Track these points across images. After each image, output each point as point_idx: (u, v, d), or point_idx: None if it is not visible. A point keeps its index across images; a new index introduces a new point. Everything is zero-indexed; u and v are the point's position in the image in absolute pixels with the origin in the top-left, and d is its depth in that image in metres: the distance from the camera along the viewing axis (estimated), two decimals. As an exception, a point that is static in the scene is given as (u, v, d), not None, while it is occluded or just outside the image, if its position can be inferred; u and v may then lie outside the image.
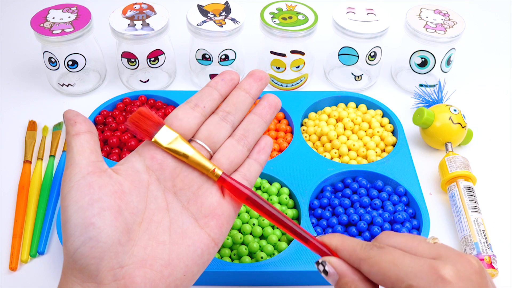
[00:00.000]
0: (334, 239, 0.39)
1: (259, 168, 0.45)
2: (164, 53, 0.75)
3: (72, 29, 0.71)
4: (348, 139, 0.67)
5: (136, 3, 0.76)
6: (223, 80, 0.45)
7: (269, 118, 0.46)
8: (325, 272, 0.38)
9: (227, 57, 0.75)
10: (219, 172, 0.41)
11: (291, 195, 0.61)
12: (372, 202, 0.60)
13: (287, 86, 0.78)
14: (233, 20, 0.74)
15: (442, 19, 0.76)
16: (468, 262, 0.34)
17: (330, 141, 0.67)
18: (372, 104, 0.72)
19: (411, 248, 0.36)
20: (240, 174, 0.43)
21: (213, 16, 0.74)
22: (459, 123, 0.67)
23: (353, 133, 0.69)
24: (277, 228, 0.58)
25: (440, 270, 0.33)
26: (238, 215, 0.58)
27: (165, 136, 0.41)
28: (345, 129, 0.69)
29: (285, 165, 0.63)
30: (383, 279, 0.35)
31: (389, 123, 0.70)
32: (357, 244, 0.37)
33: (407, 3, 0.86)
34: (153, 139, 0.41)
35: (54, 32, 0.70)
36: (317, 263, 0.38)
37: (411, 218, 0.60)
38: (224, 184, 0.42)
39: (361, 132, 0.68)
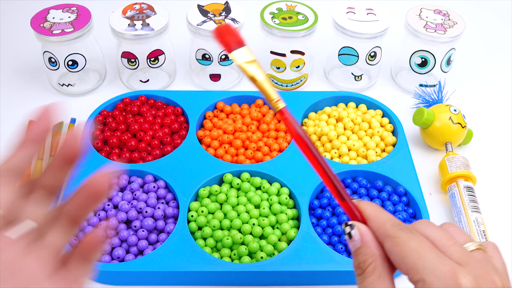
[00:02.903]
0: (369, 208, 0.38)
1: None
2: (164, 53, 0.75)
3: (72, 29, 0.71)
4: (348, 139, 0.67)
5: (136, 3, 0.76)
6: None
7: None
8: (349, 235, 0.37)
9: (227, 57, 0.75)
10: (281, 105, 0.41)
11: (291, 195, 0.61)
12: (372, 202, 0.60)
13: (287, 86, 0.78)
14: (233, 20, 0.74)
15: (442, 19, 0.75)
16: (491, 282, 0.33)
17: (330, 141, 0.67)
18: (372, 104, 0.72)
19: (443, 245, 0.35)
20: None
21: (213, 16, 0.74)
22: (459, 123, 0.67)
23: (353, 133, 0.69)
24: (277, 228, 0.58)
25: (460, 278, 0.32)
26: (238, 215, 0.58)
27: (242, 55, 0.42)
28: (345, 129, 0.69)
29: (285, 165, 0.63)
30: (401, 262, 0.34)
31: (389, 123, 0.70)
32: (389, 220, 0.36)
33: (407, 3, 0.86)
34: (231, 54, 0.42)
35: (54, 32, 0.70)
36: (346, 224, 0.37)
37: (411, 218, 0.60)
38: (282, 118, 0.41)
39: (361, 132, 0.68)
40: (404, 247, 0.34)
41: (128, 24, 0.72)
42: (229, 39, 0.43)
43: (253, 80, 0.42)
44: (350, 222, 0.37)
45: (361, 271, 0.37)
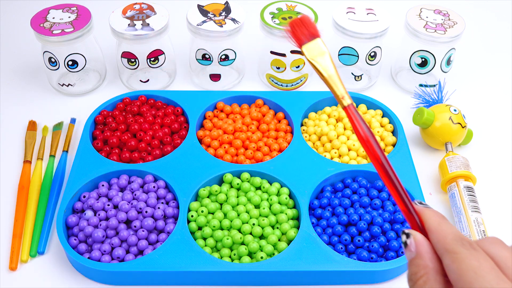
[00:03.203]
0: (432, 218, 0.35)
1: None
2: (164, 53, 0.75)
3: (72, 29, 0.71)
4: (348, 139, 0.67)
5: (136, 3, 0.76)
6: None
7: None
8: (405, 244, 0.35)
9: (227, 57, 0.75)
10: (348, 102, 0.40)
11: (291, 195, 0.61)
12: (372, 202, 0.60)
13: (287, 86, 0.78)
14: (233, 20, 0.74)
15: (442, 19, 0.76)
16: None
17: (330, 141, 0.67)
18: (372, 104, 0.72)
19: (508, 267, 0.32)
20: None
21: (213, 16, 0.74)
22: (459, 123, 0.67)
23: (353, 133, 0.69)
24: (277, 228, 0.58)
25: None
26: (238, 215, 0.58)
27: (313, 49, 0.41)
28: (345, 129, 0.69)
29: (285, 165, 0.63)
30: (457, 280, 0.32)
31: (389, 123, 0.70)
32: (451, 233, 0.34)
33: (407, 3, 0.86)
34: (302, 48, 0.41)
35: (54, 32, 0.70)
36: (403, 232, 0.35)
37: (411, 218, 0.60)
38: (348, 114, 0.39)
39: (361, 132, 0.68)
40: (462, 264, 0.32)
41: (128, 24, 0.72)
42: (301, 32, 0.42)
43: (321, 74, 0.41)
44: (407, 231, 0.35)
45: (413, 283, 0.34)
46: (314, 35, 0.42)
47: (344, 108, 0.39)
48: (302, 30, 0.42)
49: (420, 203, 0.37)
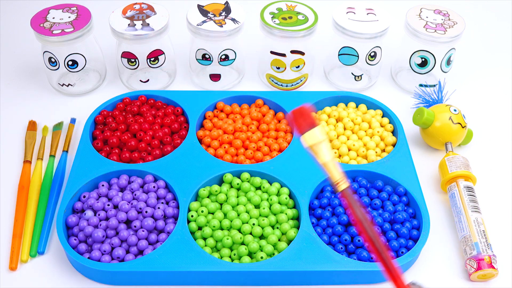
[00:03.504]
0: None
1: None
2: (164, 53, 0.75)
3: (72, 29, 0.71)
4: (348, 139, 0.67)
5: (136, 3, 0.76)
6: None
7: None
8: None
9: (227, 57, 0.75)
10: (343, 187, 0.43)
11: (291, 195, 0.61)
12: (372, 202, 0.60)
13: (287, 86, 0.78)
14: (233, 20, 0.74)
15: (442, 19, 0.75)
16: None
17: (330, 141, 0.67)
18: (372, 104, 0.72)
19: None
20: None
21: (213, 16, 0.74)
22: (459, 123, 0.67)
23: (353, 133, 0.69)
24: (277, 228, 0.58)
25: None
26: (238, 215, 0.58)
27: (311, 137, 0.45)
28: (345, 129, 0.69)
29: (285, 165, 0.63)
30: None
31: (389, 123, 0.70)
32: None
33: (407, 3, 0.86)
34: (302, 137, 0.45)
35: (54, 32, 0.70)
36: None
37: (411, 218, 0.60)
38: (345, 198, 0.43)
39: (361, 132, 0.68)
40: None
41: (128, 24, 0.72)
42: (301, 122, 0.46)
43: (317, 160, 0.45)
44: None
45: None
46: (312, 124, 0.45)
47: (340, 192, 0.43)
48: (303, 120, 0.46)
49: (414, 284, 0.41)
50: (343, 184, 0.43)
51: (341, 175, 0.44)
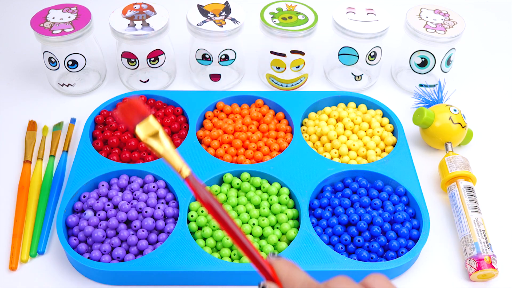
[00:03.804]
0: (283, 269, 0.38)
1: None
2: (164, 53, 0.75)
3: (72, 29, 0.71)
4: (348, 139, 0.67)
5: (136, 3, 0.76)
6: None
7: None
8: None
9: (227, 57, 0.75)
10: (186, 173, 0.42)
11: (291, 195, 0.61)
12: (372, 202, 0.60)
13: (287, 86, 0.78)
14: (233, 20, 0.74)
15: (442, 19, 0.75)
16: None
17: (330, 141, 0.67)
18: (372, 104, 0.72)
19: None
20: None
21: (213, 16, 0.74)
22: (459, 123, 0.67)
23: (353, 133, 0.69)
24: (277, 228, 0.58)
25: None
26: (238, 215, 0.58)
27: (146, 128, 0.43)
28: (345, 129, 0.69)
29: (285, 165, 0.63)
30: None
31: (389, 123, 0.70)
32: (299, 281, 0.37)
33: (407, 3, 0.86)
34: (135, 130, 0.42)
35: (54, 32, 0.70)
36: (259, 285, 0.38)
37: (411, 218, 0.60)
38: (189, 184, 0.41)
39: (361, 132, 0.68)
40: None
41: (128, 24, 0.72)
42: (131, 115, 0.43)
43: (157, 153, 0.43)
44: (262, 284, 0.38)
45: None
46: (144, 114, 0.43)
47: (185, 179, 0.41)
48: (132, 112, 0.43)
49: (273, 255, 0.39)
50: (185, 170, 0.42)
51: (182, 162, 0.42)
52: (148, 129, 0.43)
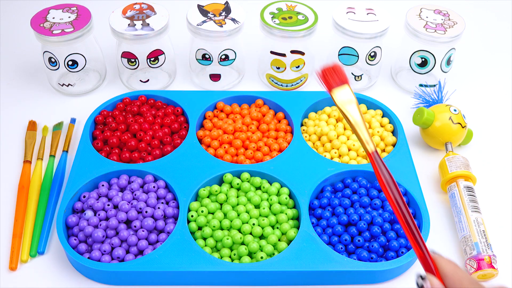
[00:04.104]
0: (448, 266, 0.38)
1: None
2: (164, 53, 0.75)
3: (72, 29, 0.71)
4: (348, 139, 0.67)
5: (136, 3, 0.76)
6: None
7: None
8: (421, 286, 0.38)
9: (227, 57, 0.75)
10: (372, 148, 0.42)
11: (291, 195, 0.61)
12: (372, 202, 0.60)
13: (287, 86, 0.78)
14: (233, 20, 0.74)
15: (442, 19, 0.76)
16: None
17: (330, 141, 0.67)
18: (372, 104, 0.72)
19: None
20: None
21: (213, 16, 0.74)
22: (459, 123, 0.67)
23: (353, 133, 0.69)
24: (277, 228, 0.58)
25: None
26: (238, 215, 0.58)
27: (342, 95, 0.44)
28: (345, 129, 0.69)
29: (285, 165, 0.63)
30: None
31: (389, 123, 0.70)
32: (466, 279, 0.37)
33: (407, 3, 0.86)
34: (332, 93, 0.44)
35: (54, 32, 0.70)
36: (420, 276, 0.38)
37: (411, 218, 0.60)
38: (371, 160, 0.42)
39: (361, 132, 0.68)
40: None
41: (128, 24, 0.72)
42: (332, 79, 0.45)
43: (347, 120, 0.44)
44: (424, 275, 0.38)
45: None
46: (344, 81, 0.45)
47: (368, 153, 0.41)
48: (333, 77, 0.45)
49: (434, 252, 0.40)
50: (371, 145, 0.42)
51: (369, 137, 0.43)
52: (345, 96, 0.44)
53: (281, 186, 0.62)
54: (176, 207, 0.60)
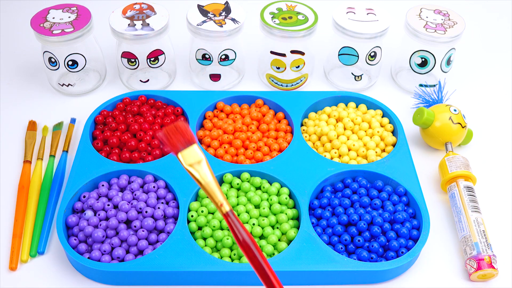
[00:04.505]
0: None
1: None
2: (164, 53, 0.75)
3: (72, 29, 0.71)
4: (348, 139, 0.67)
5: (136, 3, 0.76)
6: None
7: None
8: None
9: (227, 57, 0.75)
10: (226, 209, 0.41)
11: (291, 195, 0.61)
12: (372, 202, 0.60)
13: (287, 86, 0.78)
14: (233, 20, 0.74)
15: (442, 19, 0.76)
16: None
17: (330, 141, 0.67)
18: (372, 104, 0.72)
19: None
20: None
21: (213, 16, 0.74)
22: (459, 123, 0.67)
23: (353, 133, 0.69)
24: (277, 228, 0.58)
25: None
26: (238, 215, 0.58)
27: (190, 156, 0.41)
28: (345, 129, 0.69)
29: (285, 165, 0.63)
30: None
31: (389, 123, 0.70)
32: None
33: (407, 3, 0.86)
34: (178, 156, 0.41)
35: (54, 32, 0.70)
36: None
37: (411, 218, 0.60)
38: (227, 221, 0.41)
39: (361, 132, 0.68)
40: None
41: (128, 24, 0.72)
42: (176, 139, 0.42)
43: (198, 182, 0.41)
44: None
45: None
46: (190, 141, 0.42)
47: (223, 215, 0.40)
48: (177, 137, 0.42)
49: None
50: (226, 206, 0.40)
51: (223, 197, 0.41)
52: (192, 157, 0.41)
53: (281, 186, 0.62)
54: (176, 207, 0.60)
